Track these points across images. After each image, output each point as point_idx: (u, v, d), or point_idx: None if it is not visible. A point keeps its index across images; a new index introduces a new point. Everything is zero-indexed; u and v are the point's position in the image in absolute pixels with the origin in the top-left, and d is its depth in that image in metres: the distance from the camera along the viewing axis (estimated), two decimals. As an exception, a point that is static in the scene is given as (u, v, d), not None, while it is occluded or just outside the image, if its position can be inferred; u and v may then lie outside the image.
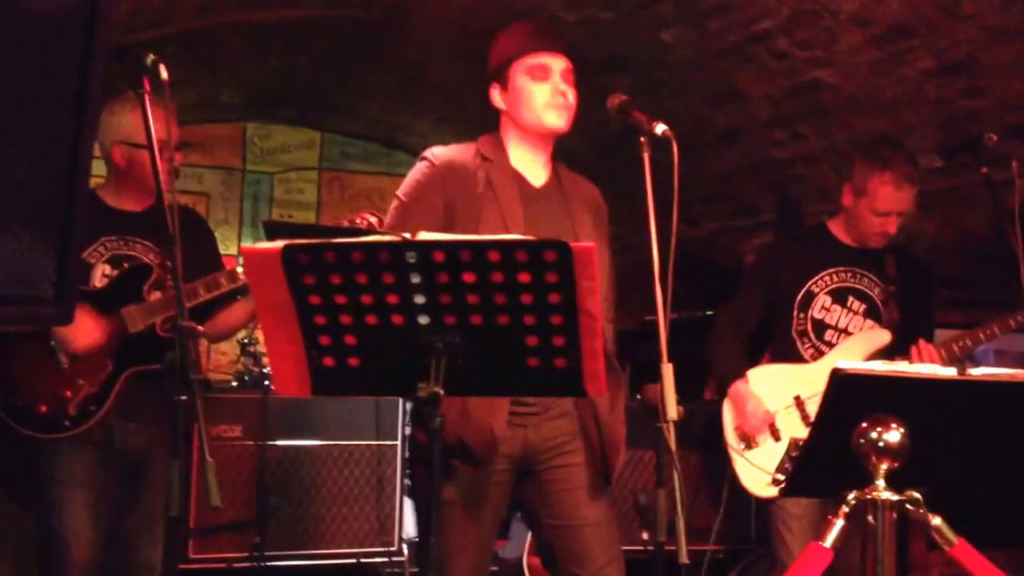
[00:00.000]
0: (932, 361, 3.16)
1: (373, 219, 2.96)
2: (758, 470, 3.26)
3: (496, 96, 2.66)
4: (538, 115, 2.57)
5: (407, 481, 4.71)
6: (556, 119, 2.56)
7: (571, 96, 2.58)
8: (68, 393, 2.90)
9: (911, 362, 3.14)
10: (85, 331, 2.89)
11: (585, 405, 2.54)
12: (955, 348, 3.22)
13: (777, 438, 3.30)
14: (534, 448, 2.52)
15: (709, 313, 4.39)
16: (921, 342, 3.21)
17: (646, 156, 2.29)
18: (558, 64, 2.58)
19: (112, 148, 3.03)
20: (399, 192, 2.61)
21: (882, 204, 3.25)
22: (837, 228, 3.41)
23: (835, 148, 4.42)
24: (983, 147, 3.33)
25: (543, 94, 2.56)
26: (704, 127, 4.90)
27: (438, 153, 2.62)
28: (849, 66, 3.96)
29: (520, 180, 2.61)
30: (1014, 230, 3.14)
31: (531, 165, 2.64)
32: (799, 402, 3.28)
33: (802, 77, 4.17)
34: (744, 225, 5.41)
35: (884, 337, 3.27)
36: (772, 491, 3.23)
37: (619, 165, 2.65)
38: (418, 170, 2.61)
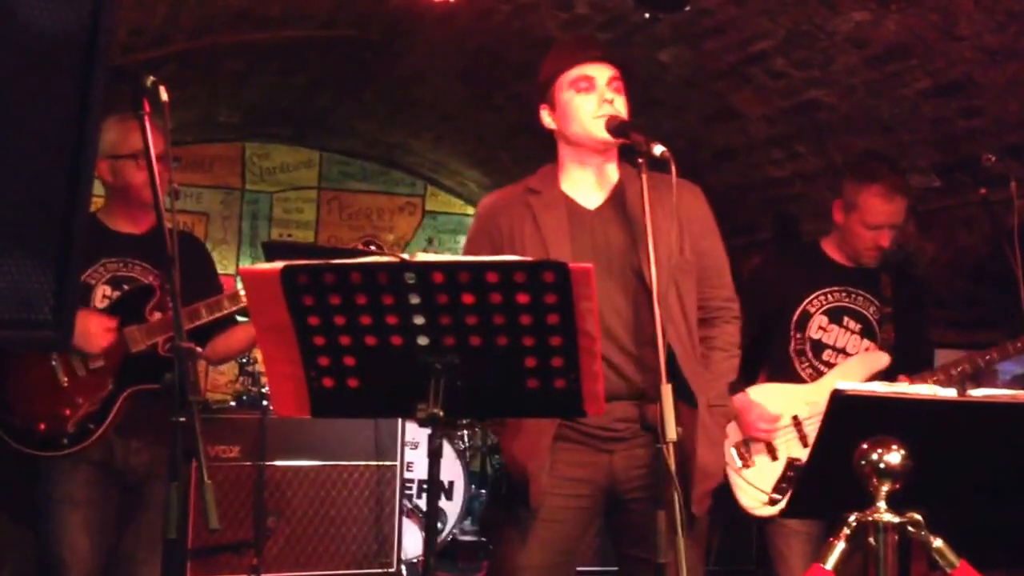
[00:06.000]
0: None
1: (373, 247, 2.96)
2: (754, 489, 3.26)
3: (546, 117, 2.57)
4: (586, 127, 2.48)
5: (406, 503, 4.71)
6: (604, 130, 2.46)
7: (619, 104, 2.49)
8: (67, 411, 2.88)
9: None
10: (97, 331, 2.88)
11: (689, 431, 2.41)
12: (953, 374, 3.20)
13: (774, 457, 3.29)
14: (622, 475, 2.45)
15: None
16: (904, 379, 3.18)
17: (644, 177, 2.29)
18: (602, 73, 2.50)
19: (100, 165, 3.03)
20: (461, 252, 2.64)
21: (873, 217, 3.24)
22: (830, 247, 3.40)
23: (832, 167, 4.43)
24: (981, 167, 3.33)
25: (589, 105, 2.47)
26: (701, 146, 4.92)
27: (485, 202, 2.63)
28: (846, 86, 3.97)
29: (571, 205, 2.53)
30: (1013, 250, 3.13)
31: (586, 186, 2.55)
32: (797, 422, 3.27)
33: (799, 97, 4.19)
34: (742, 244, 5.42)
35: (883, 360, 3.25)
36: (768, 510, 3.22)
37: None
38: (470, 228, 2.64)
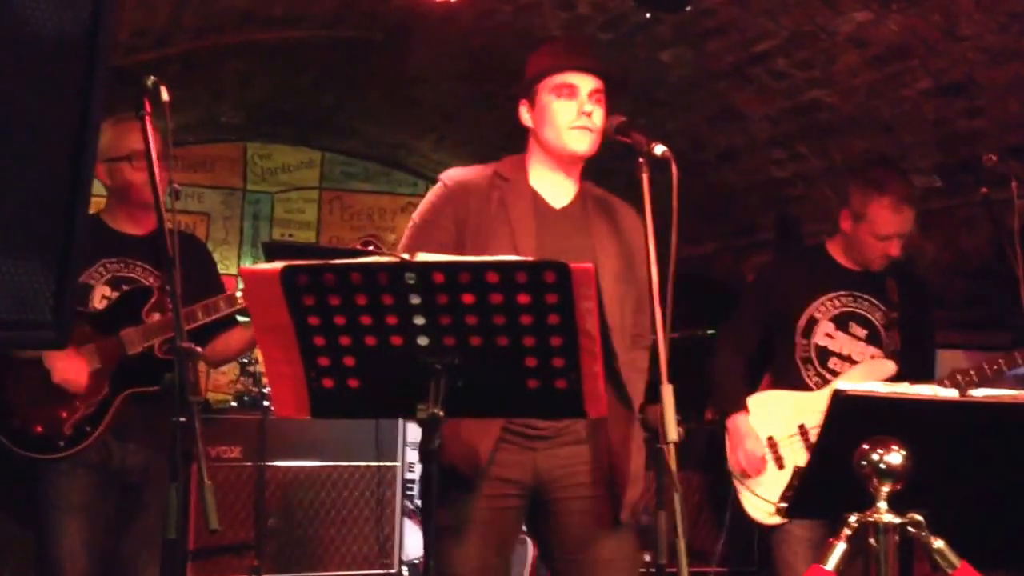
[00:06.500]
0: None
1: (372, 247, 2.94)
2: (761, 499, 3.25)
3: (524, 113, 2.58)
4: (560, 136, 2.50)
5: (407, 504, 4.70)
6: (577, 143, 2.49)
7: (597, 117, 2.50)
8: (64, 414, 2.89)
9: None
10: (73, 370, 2.87)
11: (600, 433, 2.46)
12: (961, 383, 3.18)
13: (781, 466, 3.27)
14: (545, 476, 2.46)
15: (710, 332, 4.38)
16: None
17: (645, 177, 2.28)
18: (586, 84, 2.50)
19: (97, 168, 3.02)
20: (414, 215, 2.60)
21: (883, 228, 3.22)
22: (836, 250, 3.38)
23: (834, 168, 4.43)
24: (982, 167, 3.32)
25: (567, 114, 2.49)
26: (703, 147, 4.91)
27: (452, 174, 2.60)
28: (847, 86, 3.97)
29: (537, 201, 2.54)
30: (1014, 250, 3.12)
31: (553, 185, 2.57)
32: (803, 431, 3.26)
33: (801, 97, 4.19)
34: (744, 244, 5.42)
35: (889, 367, 3.23)
36: (776, 519, 3.20)
37: (619, 185, 2.64)
38: (432, 192, 2.60)
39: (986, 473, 1.87)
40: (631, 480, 2.47)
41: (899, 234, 3.23)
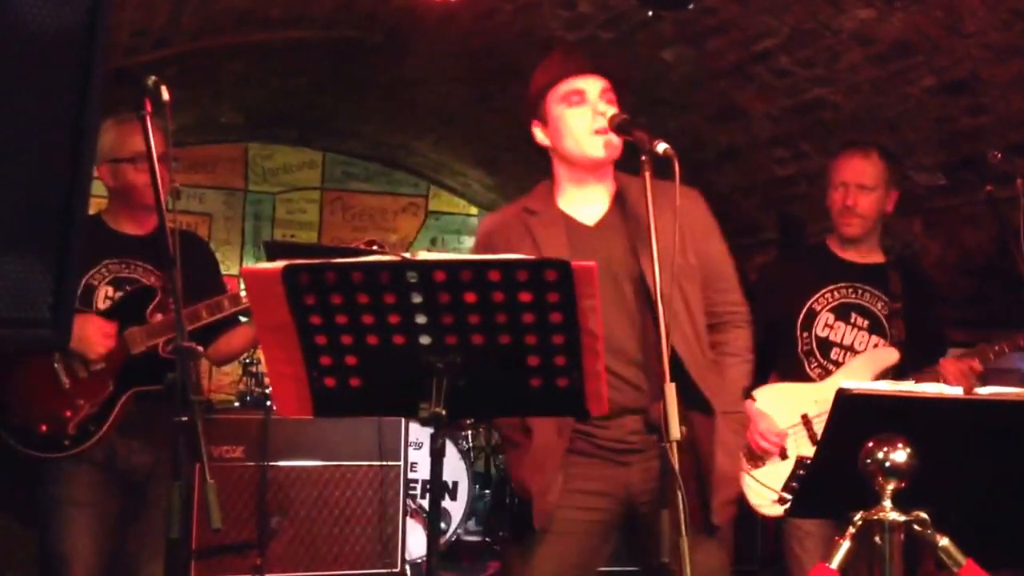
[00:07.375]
0: (962, 375, 3.10)
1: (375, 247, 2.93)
2: (765, 488, 3.24)
3: (539, 133, 2.52)
4: (580, 144, 2.44)
5: (410, 503, 4.70)
6: (598, 148, 2.42)
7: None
8: (68, 413, 2.89)
9: (944, 382, 3.06)
10: (100, 337, 2.89)
11: (706, 438, 2.39)
12: (990, 355, 3.16)
13: (784, 456, 3.27)
14: (639, 487, 2.42)
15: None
16: (944, 362, 3.16)
17: (647, 175, 2.27)
18: (594, 85, 2.44)
19: (100, 169, 3.03)
20: None
21: (836, 175, 3.25)
22: (835, 244, 3.38)
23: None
24: (987, 165, 3.32)
25: (582, 120, 2.42)
26: (705, 145, 4.91)
27: (485, 222, 2.63)
28: (850, 84, 3.96)
29: (568, 222, 2.48)
30: (1019, 248, 3.11)
31: (584, 201, 2.51)
32: (806, 421, 3.26)
33: (803, 95, 4.18)
34: (746, 244, 5.41)
35: (892, 356, 3.23)
36: (778, 509, 3.21)
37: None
38: (472, 248, 2.66)
39: (991, 471, 1.87)
40: (718, 483, 2.41)
41: (856, 183, 3.22)
